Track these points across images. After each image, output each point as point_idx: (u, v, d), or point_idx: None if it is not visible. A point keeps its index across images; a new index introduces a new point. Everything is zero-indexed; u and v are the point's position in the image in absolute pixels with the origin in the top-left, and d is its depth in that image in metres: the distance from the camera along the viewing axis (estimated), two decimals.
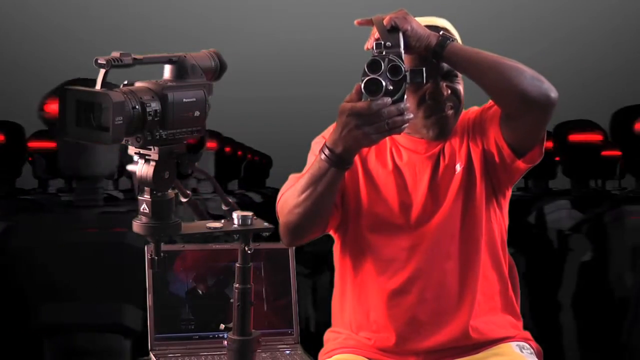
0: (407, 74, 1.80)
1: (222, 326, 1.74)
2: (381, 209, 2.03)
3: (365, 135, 1.78)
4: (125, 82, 1.49)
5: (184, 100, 1.51)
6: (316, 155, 1.92)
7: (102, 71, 1.44)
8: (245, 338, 1.70)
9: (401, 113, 1.77)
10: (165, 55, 1.53)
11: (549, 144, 5.59)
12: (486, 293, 2.04)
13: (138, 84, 1.49)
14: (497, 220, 2.05)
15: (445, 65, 1.95)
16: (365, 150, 2.03)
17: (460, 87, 2.01)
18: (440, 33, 1.90)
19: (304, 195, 1.89)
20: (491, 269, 2.05)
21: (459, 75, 2.00)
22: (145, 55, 1.49)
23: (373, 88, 1.77)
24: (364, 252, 2.05)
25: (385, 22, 1.84)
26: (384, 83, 1.76)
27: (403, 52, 1.82)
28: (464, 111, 2.05)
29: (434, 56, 1.89)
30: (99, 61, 1.44)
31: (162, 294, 2.14)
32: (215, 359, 2.10)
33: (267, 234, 1.73)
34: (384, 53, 1.80)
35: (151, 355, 2.11)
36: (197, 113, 1.53)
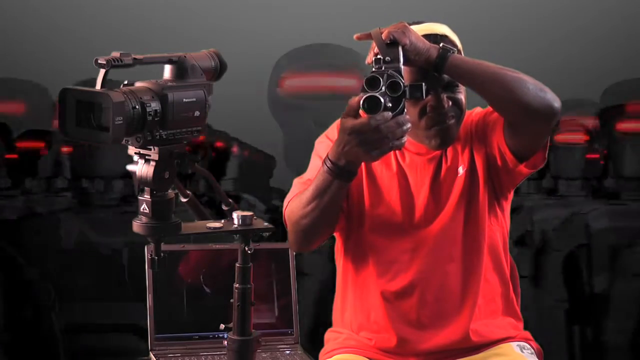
0: (407, 89, 1.78)
1: (222, 326, 1.74)
2: (384, 211, 2.02)
3: (366, 152, 1.78)
4: (125, 82, 1.49)
5: (184, 100, 1.51)
6: (320, 156, 1.92)
7: (102, 71, 1.44)
8: (245, 338, 1.70)
9: (400, 126, 1.76)
10: (165, 55, 1.53)
11: None
12: (487, 296, 2.04)
13: (138, 84, 1.49)
14: (499, 223, 2.05)
15: (446, 77, 1.93)
16: None
17: (462, 97, 1.99)
18: (441, 45, 1.87)
19: (310, 207, 1.89)
20: (493, 271, 2.04)
21: (459, 86, 1.98)
22: (145, 55, 1.49)
23: (372, 106, 1.75)
24: (366, 253, 2.04)
25: (383, 36, 1.82)
26: (382, 100, 1.75)
27: (402, 66, 1.80)
28: (467, 112, 2.04)
29: (435, 69, 1.87)
30: (99, 61, 1.43)
31: (162, 294, 2.14)
32: (215, 359, 2.10)
33: (267, 234, 1.73)
34: (382, 68, 1.79)
35: (151, 355, 2.11)
36: (197, 113, 1.53)
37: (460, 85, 1.98)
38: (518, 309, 2.12)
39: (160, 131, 1.48)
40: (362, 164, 2.00)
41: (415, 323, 2.02)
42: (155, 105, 1.46)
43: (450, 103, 1.97)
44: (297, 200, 1.95)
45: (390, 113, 1.76)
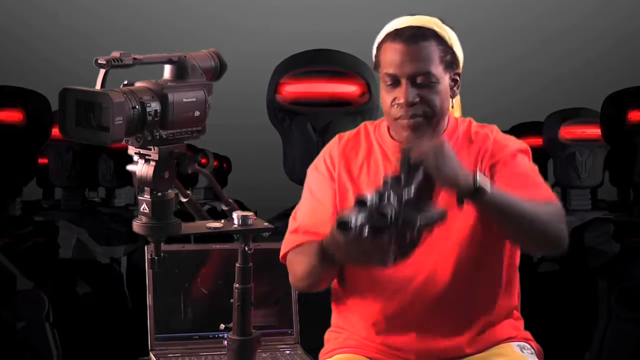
0: (392, 226, 1.55)
1: (222, 326, 1.75)
2: None
3: (354, 260, 1.70)
4: (125, 82, 1.49)
5: (184, 100, 1.51)
6: (310, 188, 1.98)
7: (102, 71, 1.44)
8: (245, 338, 1.70)
9: (378, 247, 1.59)
10: (165, 55, 1.53)
11: None
12: (489, 301, 2.03)
13: (138, 84, 1.49)
14: (499, 236, 2.01)
15: (419, 77, 1.90)
16: (356, 170, 2.01)
17: (436, 97, 1.93)
18: (477, 182, 1.72)
19: (308, 273, 1.92)
20: (495, 278, 2.02)
21: (438, 85, 1.92)
22: (145, 55, 1.49)
23: (342, 226, 1.57)
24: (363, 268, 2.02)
25: (414, 154, 1.68)
26: (352, 224, 1.54)
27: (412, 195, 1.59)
28: (478, 125, 2.02)
29: (459, 202, 1.76)
30: (99, 61, 1.44)
31: (162, 294, 2.14)
32: (215, 359, 2.10)
33: (267, 234, 1.73)
34: (387, 194, 1.56)
35: (151, 355, 2.11)
36: (197, 113, 1.53)
37: (440, 83, 1.93)
38: (518, 310, 2.12)
39: (160, 131, 1.49)
40: (350, 184, 1.98)
41: (415, 327, 2.01)
42: (155, 105, 1.47)
43: (418, 100, 1.92)
44: (297, 260, 1.95)
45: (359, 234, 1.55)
